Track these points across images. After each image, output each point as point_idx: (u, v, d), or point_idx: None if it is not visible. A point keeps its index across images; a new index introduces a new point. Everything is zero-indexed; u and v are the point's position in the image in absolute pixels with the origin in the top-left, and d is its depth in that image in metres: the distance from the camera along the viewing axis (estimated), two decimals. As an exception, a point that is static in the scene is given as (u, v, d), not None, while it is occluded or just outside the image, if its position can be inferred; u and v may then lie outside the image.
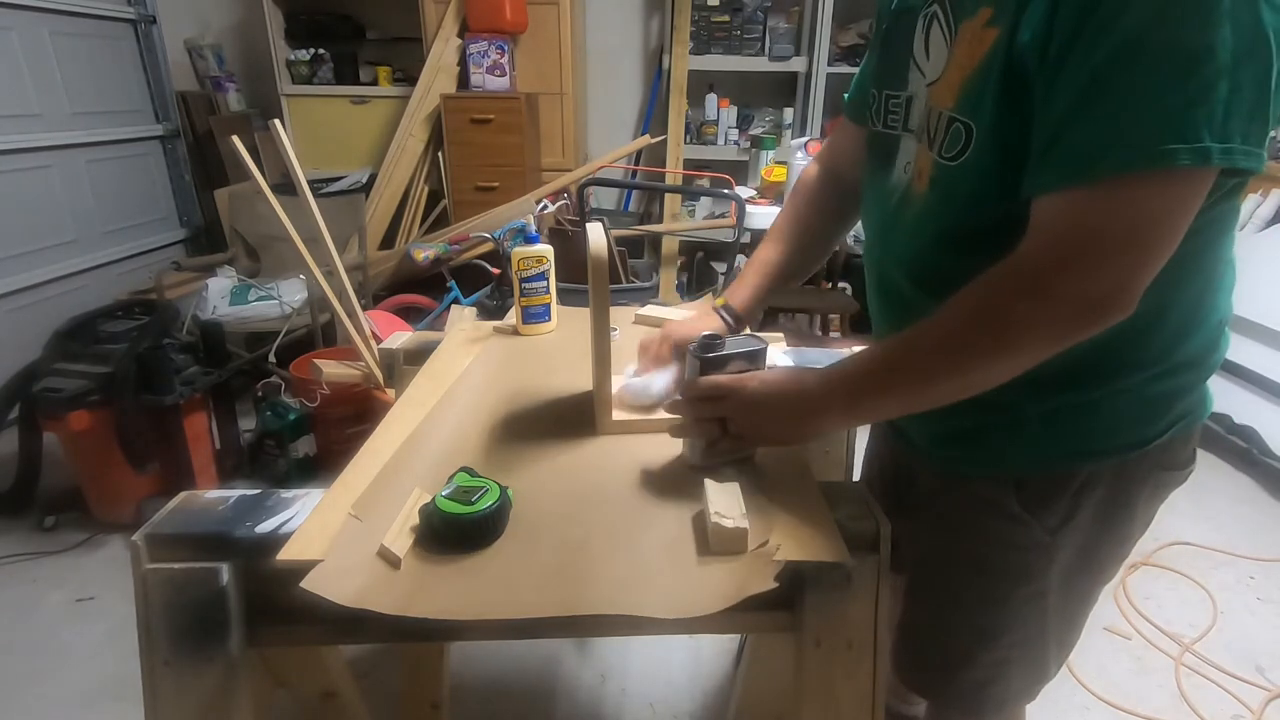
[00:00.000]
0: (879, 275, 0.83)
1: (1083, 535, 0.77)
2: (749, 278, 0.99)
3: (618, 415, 0.90)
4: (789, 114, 3.73)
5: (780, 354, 1.11)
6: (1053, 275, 0.58)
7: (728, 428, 0.76)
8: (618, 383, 0.94)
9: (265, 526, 0.70)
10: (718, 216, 3.30)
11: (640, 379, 0.93)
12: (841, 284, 3.37)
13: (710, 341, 0.81)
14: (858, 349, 0.79)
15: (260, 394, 2.16)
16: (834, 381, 0.71)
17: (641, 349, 0.98)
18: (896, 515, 0.74)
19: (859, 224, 0.94)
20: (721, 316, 0.97)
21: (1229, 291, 0.75)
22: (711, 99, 3.73)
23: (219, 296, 2.63)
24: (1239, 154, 0.54)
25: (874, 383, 0.70)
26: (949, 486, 0.82)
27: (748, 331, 1.00)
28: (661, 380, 0.92)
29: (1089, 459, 0.74)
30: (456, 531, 0.67)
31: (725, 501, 0.70)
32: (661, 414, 0.91)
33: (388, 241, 3.45)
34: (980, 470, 0.78)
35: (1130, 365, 0.70)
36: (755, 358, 0.81)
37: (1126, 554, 0.82)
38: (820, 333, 3.23)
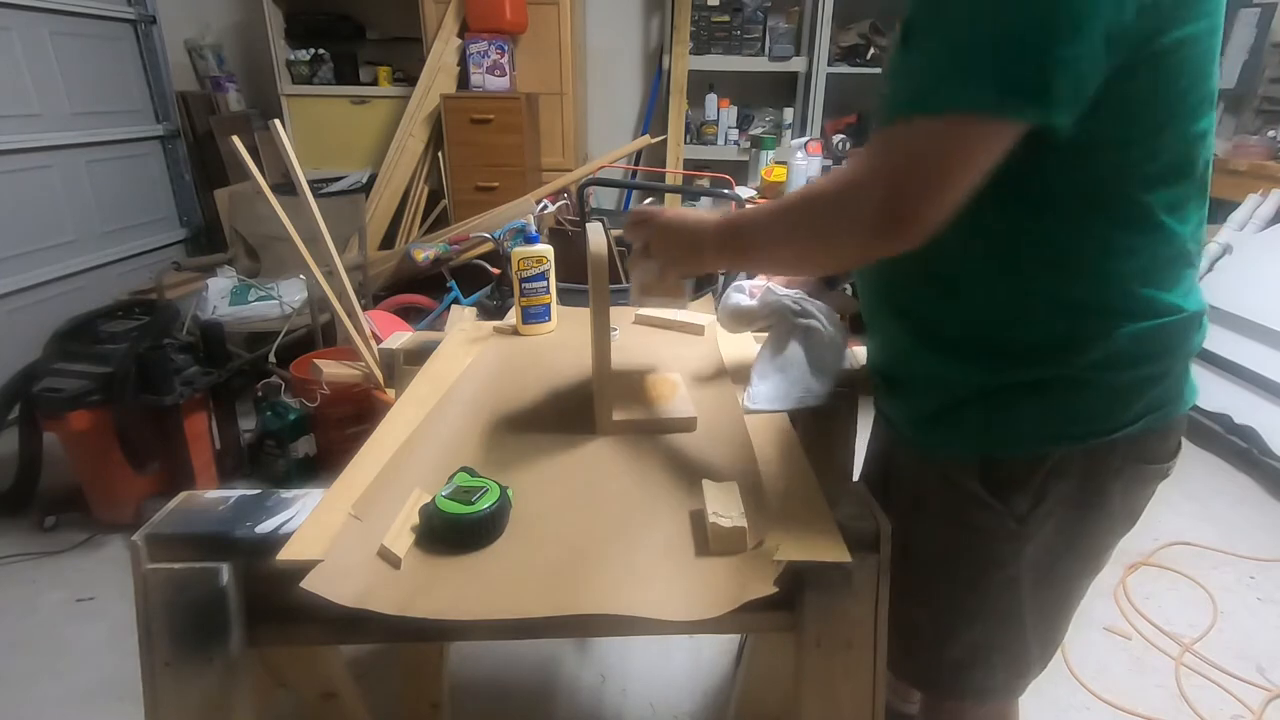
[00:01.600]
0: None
1: (1055, 524, 0.78)
2: None
3: (618, 415, 0.90)
4: (789, 114, 3.73)
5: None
6: (856, 187, 0.66)
7: (650, 250, 0.91)
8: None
9: (265, 526, 0.70)
10: (718, 216, 3.29)
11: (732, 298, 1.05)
12: (840, 286, 3.36)
13: None
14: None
15: (260, 394, 2.16)
16: (720, 225, 0.83)
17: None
18: (887, 509, 0.75)
19: None
20: None
21: (1176, 283, 0.73)
22: (711, 99, 3.73)
23: (219, 296, 2.63)
24: (1012, 105, 0.59)
25: (740, 235, 0.81)
26: (924, 470, 0.85)
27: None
28: (744, 297, 1.04)
29: (1050, 443, 0.75)
30: (456, 531, 0.67)
31: (723, 501, 0.70)
32: (662, 413, 0.92)
33: (388, 241, 3.45)
34: (946, 451, 0.81)
35: (1042, 345, 0.73)
36: None
37: (1107, 547, 0.83)
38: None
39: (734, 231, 0.82)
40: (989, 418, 0.76)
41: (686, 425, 0.91)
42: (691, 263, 0.89)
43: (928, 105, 0.61)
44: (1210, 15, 0.63)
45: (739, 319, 1.06)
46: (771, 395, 0.95)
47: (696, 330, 1.22)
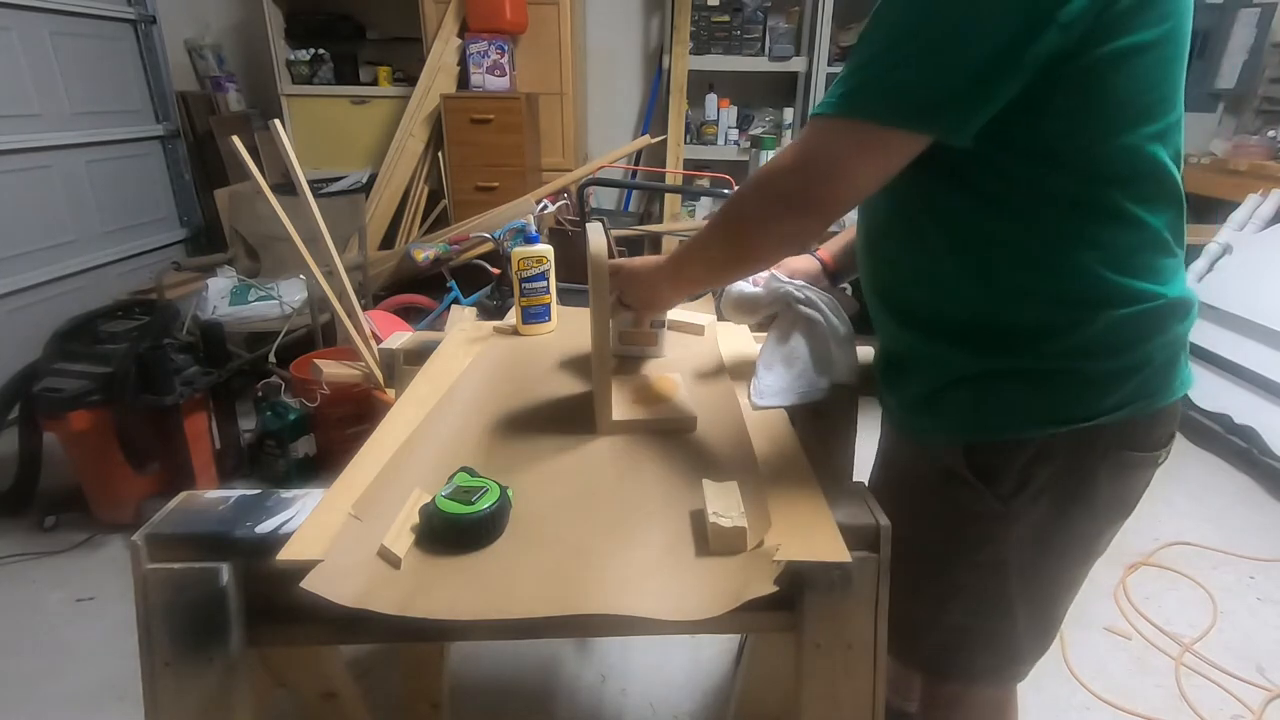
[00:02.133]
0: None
1: (1043, 509, 0.79)
2: (845, 233, 1.12)
3: (618, 415, 0.90)
4: (789, 114, 3.73)
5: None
6: (780, 170, 0.73)
7: (622, 300, 0.99)
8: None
9: (265, 526, 0.70)
10: (718, 216, 3.29)
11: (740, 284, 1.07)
12: (841, 284, 3.36)
13: None
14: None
15: (260, 394, 2.16)
16: (670, 258, 0.92)
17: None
18: (888, 499, 0.76)
19: None
20: (815, 256, 1.11)
21: (1153, 270, 0.73)
22: (711, 99, 3.73)
23: (219, 296, 2.63)
24: (904, 120, 0.66)
25: (686, 254, 0.89)
26: (916, 454, 0.87)
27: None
28: (747, 285, 1.06)
29: (1032, 428, 0.76)
30: (456, 531, 0.67)
31: (723, 501, 0.70)
32: (662, 413, 0.92)
33: (388, 241, 3.45)
34: (933, 435, 0.83)
35: (1020, 334, 0.75)
36: None
37: (1099, 534, 0.84)
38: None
39: (678, 258, 0.90)
40: (973, 402, 0.78)
41: (686, 425, 0.91)
42: (655, 303, 0.99)
43: (840, 108, 0.68)
44: (1170, 18, 0.64)
45: (743, 307, 1.06)
46: (777, 389, 0.96)
47: (696, 330, 1.22)
